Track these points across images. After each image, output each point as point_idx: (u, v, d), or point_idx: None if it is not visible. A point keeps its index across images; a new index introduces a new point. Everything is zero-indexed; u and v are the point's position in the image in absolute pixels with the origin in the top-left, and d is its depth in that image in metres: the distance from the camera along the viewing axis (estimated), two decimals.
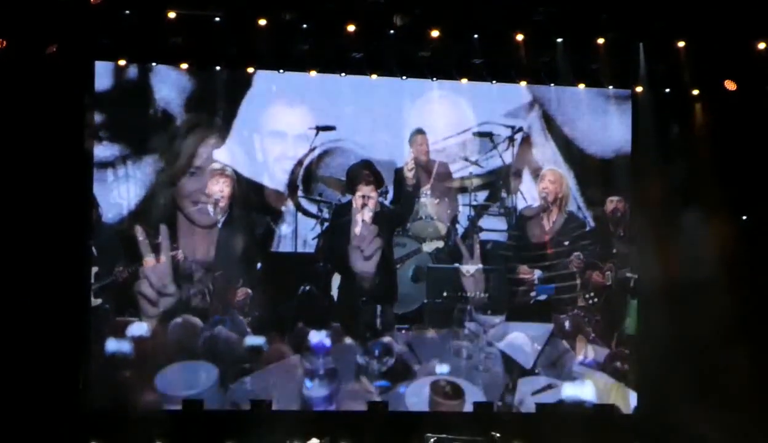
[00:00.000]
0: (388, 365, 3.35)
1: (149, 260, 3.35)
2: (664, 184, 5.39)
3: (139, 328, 3.69)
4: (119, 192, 4.86)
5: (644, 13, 5.52)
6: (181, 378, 3.41)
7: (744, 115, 5.78)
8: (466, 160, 4.47)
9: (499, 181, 4.38)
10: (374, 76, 5.74)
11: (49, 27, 4.60)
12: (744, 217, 5.62)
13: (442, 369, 3.83)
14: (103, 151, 4.81)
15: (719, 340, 4.55)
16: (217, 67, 5.36)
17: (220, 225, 3.74)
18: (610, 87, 6.06)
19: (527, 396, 3.69)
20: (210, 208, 3.61)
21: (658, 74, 5.95)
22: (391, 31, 5.47)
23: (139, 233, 3.32)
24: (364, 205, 3.49)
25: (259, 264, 3.90)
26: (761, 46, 5.63)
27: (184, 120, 3.63)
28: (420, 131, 4.40)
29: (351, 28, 5.32)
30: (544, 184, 4.23)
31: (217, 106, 4.71)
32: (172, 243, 3.51)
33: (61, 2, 4.61)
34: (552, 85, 5.99)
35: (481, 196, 4.51)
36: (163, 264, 3.38)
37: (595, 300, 4.27)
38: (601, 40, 5.74)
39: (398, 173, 4.57)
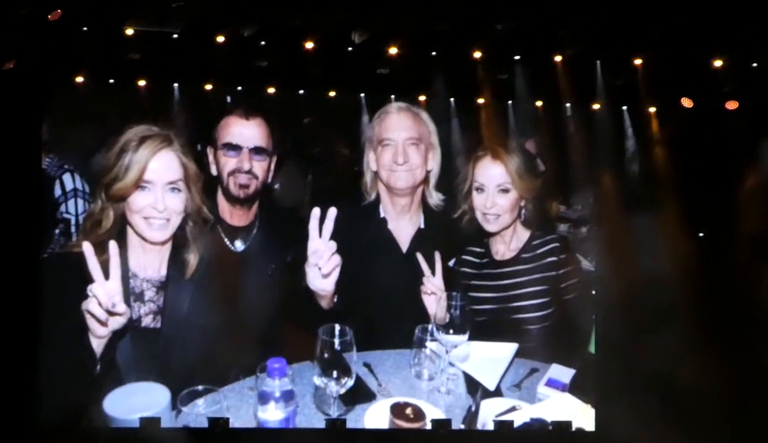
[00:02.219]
0: (347, 387, 3.25)
1: (97, 278, 3.21)
2: (623, 201, 5.41)
3: (87, 349, 3.57)
4: (66, 207, 4.75)
5: (601, 31, 5.57)
6: (132, 401, 3.28)
7: (701, 132, 5.84)
8: (427, 173, 4.40)
9: (460, 197, 4.31)
10: (332, 93, 5.73)
11: (7, 43, 4.53)
12: (701, 234, 5.67)
13: (403, 390, 3.76)
14: (50, 164, 4.72)
15: (680, 358, 4.56)
16: (175, 84, 5.30)
17: (172, 241, 3.63)
18: (568, 104, 6.10)
19: (490, 418, 3.60)
20: (162, 224, 3.48)
21: (616, 91, 6.00)
22: (350, 49, 5.47)
23: (87, 249, 3.17)
24: (322, 220, 3.38)
25: (212, 283, 3.81)
26: (718, 63, 5.70)
27: (135, 133, 3.50)
28: (381, 143, 4.31)
29: (309, 45, 5.31)
30: (507, 199, 4.15)
31: (169, 119, 4.64)
32: (121, 260, 3.37)
33: (18, 18, 4.55)
34: (510, 101, 6.02)
35: (443, 212, 4.45)
36: (112, 283, 3.25)
37: (561, 319, 4.23)
38: (558, 58, 5.79)
39: (358, 188, 4.52)
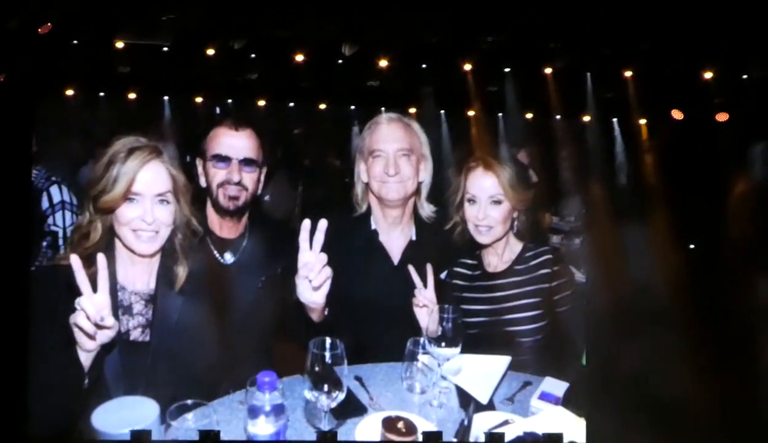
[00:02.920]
0: (338, 400, 3.21)
1: (85, 291, 3.17)
2: (614, 212, 5.40)
3: (75, 363, 3.54)
4: (54, 219, 4.71)
5: (592, 43, 5.58)
6: (120, 415, 3.23)
7: (692, 144, 5.85)
8: (419, 185, 4.37)
9: (452, 208, 4.28)
10: (323, 106, 5.72)
11: None
12: (691, 246, 5.67)
13: (394, 404, 3.72)
14: (37, 176, 4.68)
15: (669, 370, 4.54)
16: (166, 97, 5.29)
17: (161, 254, 3.59)
18: (558, 116, 6.10)
19: (483, 432, 3.57)
20: (150, 236, 3.45)
21: (606, 103, 6.01)
22: (340, 61, 5.48)
23: (75, 262, 3.13)
24: (312, 232, 3.34)
25: (202, 296, 3.78)
26: (708, 75, 5.71)
27: (123, 144, 3.46)
28: (372, 154, 4.28)
29: (299, 57, 5.31)
30: (499, 210, 4.12)
31: (158, 130, 4.61)
32: (110, 273, 3.33)
33: (7, 32, 4.54)
34: (500, 114, 6.02)
35: (435, 223, 4.41)
36: (100, 296, 3.20)
37: (554, 331, 4.18)
38: (548, 70, 5.80)
39: (349, 199, 4.48)
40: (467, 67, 6.05)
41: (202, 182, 4.21)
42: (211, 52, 5.41)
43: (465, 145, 5.72)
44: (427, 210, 4.46)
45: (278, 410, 3.10)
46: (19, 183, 4.34)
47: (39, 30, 4.69)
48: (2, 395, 3.81)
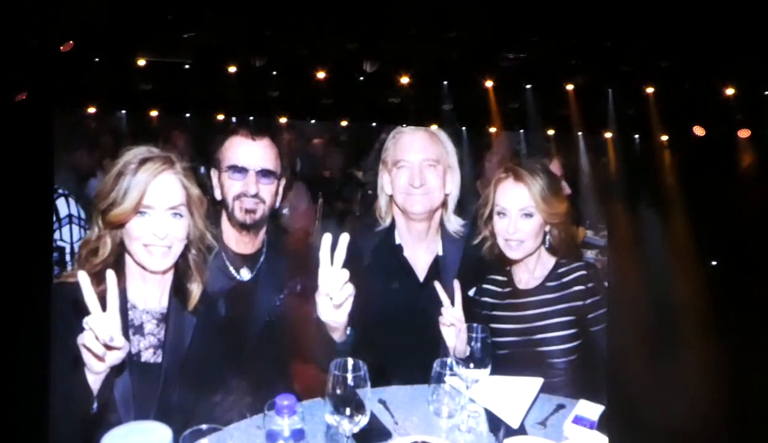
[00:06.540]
0: (361, 425, 3.07)
1: (94, 310, 3.04)
2: (636, 230, 5.38)
3: (84, 386, 3.44)
4: (61, 234, 4.61)
5: (613, 59, 5.57)
6: (131, 441, 3.11)
7: (713, 160, 5.85)
8: (446, 197, 4.23)
9: (481, 222, 4.13)
10: (344, 123, 5.69)
11: (18, 75, 4.54)
12: (714, 262, 5.67)
13: (421, 428, 3.58)
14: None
15: (690, 390, 4.51)
16: (187, 114, 5.28)
17: (173, 270, 3.46)
18: (580, 132, 6.07)
19: None
20: (163, 252, 3.32)
21: (628, 120, 6.02)
22: (361, 78, 5.47)
23: (83, 280, 3.01)
24: (333, 248, 3.20)
25: (217, 315, 3.67)
26: (730, 92, 5.69)
27: (134, 155, 3.35)
28: (396, 165, 4.15)
29: (321, 74, 5.31)
30: (531, 224, 3.96)
31: (170, 141, 4.52)
32: (120, 290, 3.21)
33: (30, 50, 4.56)
34: (522, 130, 5.97)
35: (463, 238, 4.26)
36: (109, 315, 3.08)
37: (589, 351, 4.03)
38: (570, 86, 5.79)
39: (372, 212, 4.36)
40: (488, 83, 6.04)
41: (217, 194, 4.07)
42: (232, 69, 5.43)
43: (490, 160, 5.67)
44: (454, 223, 4.30)
45: (298, 435, 2.96)
46: (39, 200, 4.35)
47: (61, 48, 4.71)
48: (18, 419, 3.76)
